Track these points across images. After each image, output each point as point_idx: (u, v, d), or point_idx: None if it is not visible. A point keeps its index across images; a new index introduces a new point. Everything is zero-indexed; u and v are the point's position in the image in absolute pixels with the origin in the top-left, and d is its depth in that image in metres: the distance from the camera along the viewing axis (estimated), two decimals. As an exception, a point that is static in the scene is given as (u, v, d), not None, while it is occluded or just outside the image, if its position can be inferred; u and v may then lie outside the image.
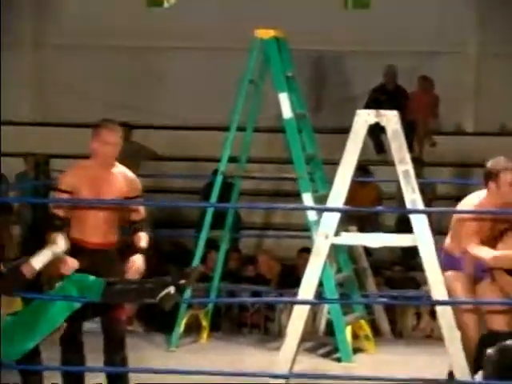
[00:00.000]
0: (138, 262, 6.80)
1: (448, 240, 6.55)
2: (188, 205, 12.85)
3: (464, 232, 6.31)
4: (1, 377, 6.08)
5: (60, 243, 6.28)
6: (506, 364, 5.95)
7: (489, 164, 6.40)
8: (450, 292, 6.49)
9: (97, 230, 6.74)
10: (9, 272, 6.21)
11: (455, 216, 6.54)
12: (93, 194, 6.70)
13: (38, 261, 6.16)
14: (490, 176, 6.38)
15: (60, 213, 6.67)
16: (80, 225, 6.75)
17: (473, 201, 6.47)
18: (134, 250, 6.92)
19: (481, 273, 6.44)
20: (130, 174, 6.91)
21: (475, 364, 6.16)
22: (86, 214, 6.74)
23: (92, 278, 6.22)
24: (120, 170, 6.85)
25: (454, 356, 6.12)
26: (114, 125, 6.89)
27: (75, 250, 6.71)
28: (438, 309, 6.22)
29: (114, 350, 6.70)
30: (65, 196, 6.69)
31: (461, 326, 6.39)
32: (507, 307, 6.30)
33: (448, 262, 6.51)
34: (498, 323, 6.35)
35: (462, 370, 6.10)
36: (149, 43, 14.66)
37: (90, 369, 6.57)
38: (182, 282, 6.28)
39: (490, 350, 5.99)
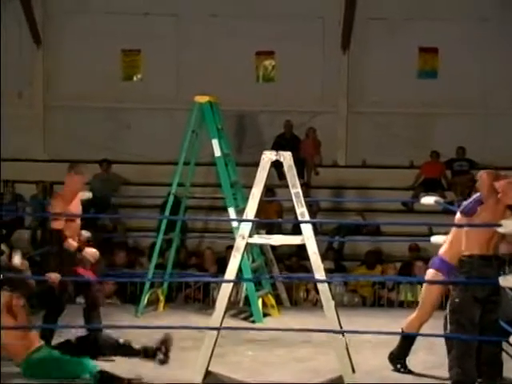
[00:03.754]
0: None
1: (446, 247, 6.27)
2: (149, 217, 12.73)
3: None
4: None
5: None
6: None
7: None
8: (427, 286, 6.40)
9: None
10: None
11: (455, 229, 6.12)
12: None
13: (16, 259, 5.97)
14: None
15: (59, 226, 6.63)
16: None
17: None
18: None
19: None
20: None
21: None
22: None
23: None
24: None
25: (328, 317, 6.04)
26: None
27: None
28: (319, 286, 6.16)
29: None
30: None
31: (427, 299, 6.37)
32: None
33: (437, 263, 6.31)
34: None
35: (332, 324, 6.05)
36: (122, 105, 14.51)
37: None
38: None
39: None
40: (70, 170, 6.82)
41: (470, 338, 5.88)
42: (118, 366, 6.15)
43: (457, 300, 5.96)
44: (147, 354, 6.06)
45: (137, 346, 6.15)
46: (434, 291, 6.37)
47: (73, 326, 6.81)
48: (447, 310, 6.06)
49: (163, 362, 6.02)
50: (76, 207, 6.84)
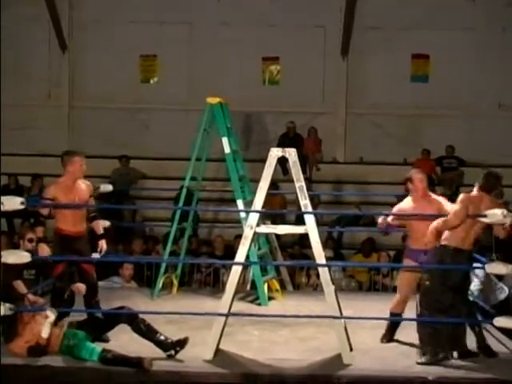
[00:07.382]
0: (104, 244, 6.65)
1: None
2: (164, 207, 12.71)
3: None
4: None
5: (51, 315, 5.85)
6: None
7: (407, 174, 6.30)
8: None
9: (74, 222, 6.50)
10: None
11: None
12: (70, 200, 6.43)
13: (45, 332, 5.83)
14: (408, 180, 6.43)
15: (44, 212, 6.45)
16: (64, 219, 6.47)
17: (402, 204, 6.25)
18: (98, 235, 6.73)
19: None
20: (86, 181, 6.64)
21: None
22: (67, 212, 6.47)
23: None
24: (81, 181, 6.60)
25: (329, 301, 6.00)
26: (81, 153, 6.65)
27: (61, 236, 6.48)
28: (320, 271, 6.11)
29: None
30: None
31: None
32: None
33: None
34: None
35: (333, 309, 6.00)
36: (140, 106, 14.46)
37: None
38: None
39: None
40: (66, 157, 6.54)
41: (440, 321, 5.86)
42: (129, 345, 6.09)
43: (427, 283, 5.93)
44: (162, 345, 6.04)
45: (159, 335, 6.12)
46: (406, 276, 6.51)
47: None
48: (418, 294, 6.05)
49: (170, 356, 6.01)
50: (79, 194, 6.49)
